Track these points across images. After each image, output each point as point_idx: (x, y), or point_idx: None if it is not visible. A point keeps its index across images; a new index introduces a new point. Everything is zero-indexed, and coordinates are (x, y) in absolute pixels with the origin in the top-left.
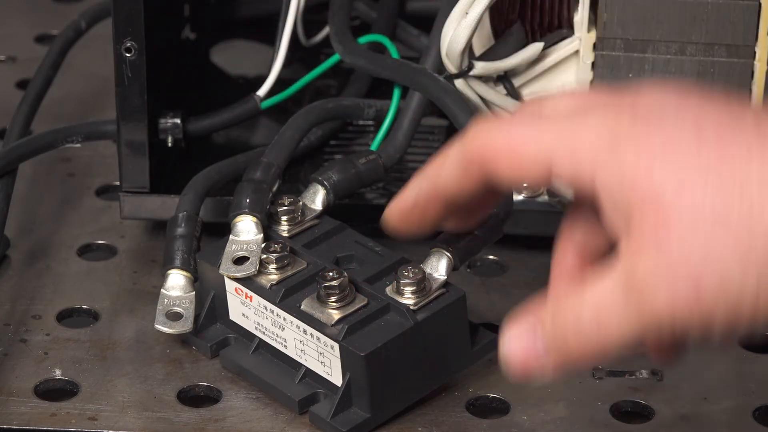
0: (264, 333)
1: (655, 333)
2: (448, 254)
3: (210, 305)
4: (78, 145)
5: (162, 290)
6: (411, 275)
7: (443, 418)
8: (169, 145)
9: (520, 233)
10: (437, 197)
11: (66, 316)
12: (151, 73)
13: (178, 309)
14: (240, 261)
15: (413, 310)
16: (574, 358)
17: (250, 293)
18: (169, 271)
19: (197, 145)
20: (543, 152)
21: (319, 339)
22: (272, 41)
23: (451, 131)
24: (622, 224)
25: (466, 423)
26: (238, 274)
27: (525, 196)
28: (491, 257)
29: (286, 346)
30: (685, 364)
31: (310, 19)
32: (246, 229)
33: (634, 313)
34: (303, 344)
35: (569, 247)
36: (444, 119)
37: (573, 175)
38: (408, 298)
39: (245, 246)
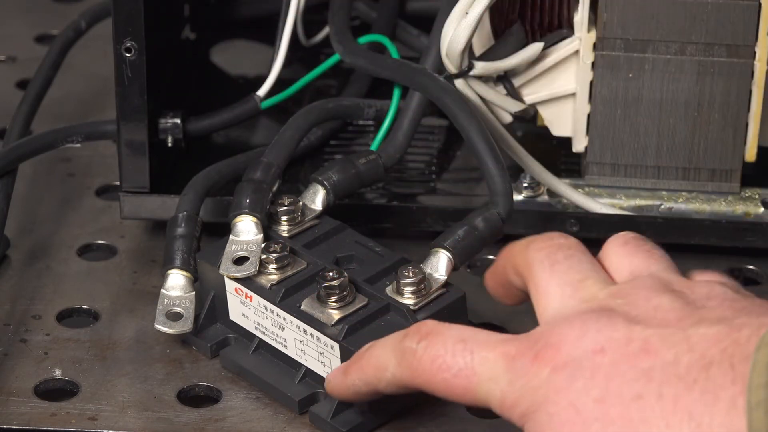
0: (264, 333)
1: None
2: (448, 254)
3: (210, 305)
4: (78, 145)
5: (162, 290)
6: (411, 275)
7: (443, 418)
8: (169, 145)
9: (520, 233)
10: (376, 395)
11: (66, 316)
12: (151, 73)
13: (178, 309)
14: (240, 261)
15: (413, 310)
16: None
17: (250, 293)
18: (169, 271)
19: (197, 145)
20: (477, 398)
21: (319, 339)
22: (272, 41)
23: (451, 131)
24: None
25: (466, 423)
26: (238, 274)
27: (525, 196)
28: (491, 257)
29: (286, 346)
30: None
31: (310, 19)
32: (246, 229)
33: None
34: (303, 344)
35: None
36: (444, 119)
37: (504, 417)
38: (408, 298)
39: (245, 246)
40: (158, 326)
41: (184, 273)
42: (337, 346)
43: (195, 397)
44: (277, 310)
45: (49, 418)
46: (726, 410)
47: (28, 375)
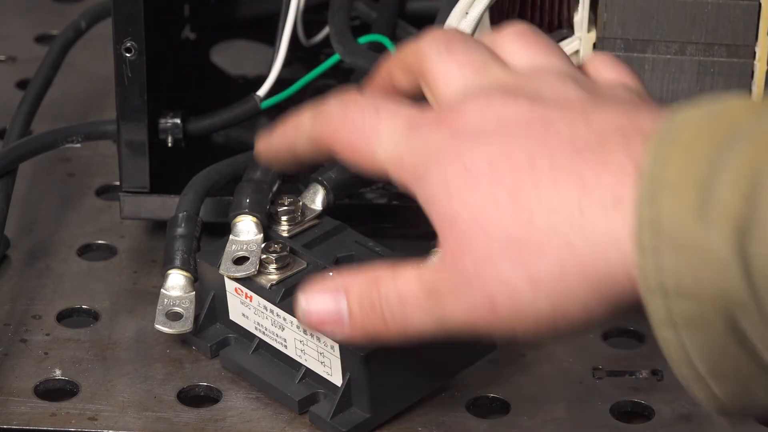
0: (264, 333)
1: (456, 332)
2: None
3: (210, 305)
4: (78, 145)
5: (162, 290)
6: None
7: (443, 418)
8: (169, 145)
9: None
10: (295, 157)
11: (66, 316)
12: (151, 73)
13: (178, 309)
14: (240, 261)
15: None
16: (373, 334)
17: (250, 293)
18: (169, 271)
19: (197, 145)
20: (376, 161)
21: (319, 339)
22: (272, 41)
23: None
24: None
25: (466, 423)
26: (238, 274)
27: None
28: None
29: (286, 346)
30: None
31: (310, 19)
32: (246, 229)
33: (432, 316)
34: (303, 344)
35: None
36: None
37: (399, 183)
38: None
39: (245, 246)
40: (158, 326)
41: (184, 273)
42: (337, 346)
43: (195, 397)
44: (277, 310)
45: (49, 418)
46: (616, 175)
47: (28, 375)
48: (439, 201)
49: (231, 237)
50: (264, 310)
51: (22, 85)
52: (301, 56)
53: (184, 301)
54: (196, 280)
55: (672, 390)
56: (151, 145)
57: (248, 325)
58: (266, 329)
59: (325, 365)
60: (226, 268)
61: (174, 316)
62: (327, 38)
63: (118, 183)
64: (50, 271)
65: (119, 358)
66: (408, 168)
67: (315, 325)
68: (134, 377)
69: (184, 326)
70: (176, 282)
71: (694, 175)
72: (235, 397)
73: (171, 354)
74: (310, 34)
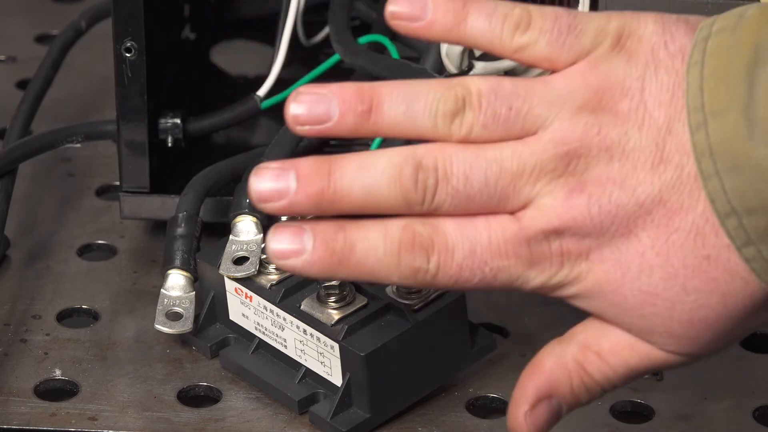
0: (264, 333)
1: None
2: None
3: (210, 305)
4: (78, 145)
5: (162, 290)
6: None
7: (443, 418)
8: (169, 145)
9: None
10: None
11: (66, 316)
12: (151, 73)
13: (178, 309)
14: (240, 261)
15: (413, 311)
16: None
17: (250, 293)
18: (169, 271)
19: (197, 145)
20: None
21: (319, 339)
22: (272, 41)
23: None
24: None
25: (466, 423)
26: (238, 274)
27: None
28: None
29: (285, 346)
30: None
31: (310, 19)
32: (246, 229)
33: None
34: (303, 344)
35: None
36: None
37: None
38: (408, 299)
39: (245, 246)
40: (158, 326)
41: (184, 273)
42: (336, 346)
43: (195, 397)
44: (277, 310)
45: (49, 418)
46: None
47: (28, 375)
48: None
49: (231, 237)
50: (264, 310)
51: (22, 85)
52: (301, 56)
53: (184, 301)
54: (196, 280)
55: (672, 390)
56: (151, 145)
57: (248, 325)
58: (266, 329)
59: (325, 365)
60: (226, 268)
61: (174, 316)
62: (327, 38)
63: (118, 183)
64: (50, 271)
65: (119, 358)
66: None
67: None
68: (134, 377)
69: (184, 326)
70: (176, 282)
71: (736, 98)
72: (235, 397)
73: (171, 354)
74: (310, 34)
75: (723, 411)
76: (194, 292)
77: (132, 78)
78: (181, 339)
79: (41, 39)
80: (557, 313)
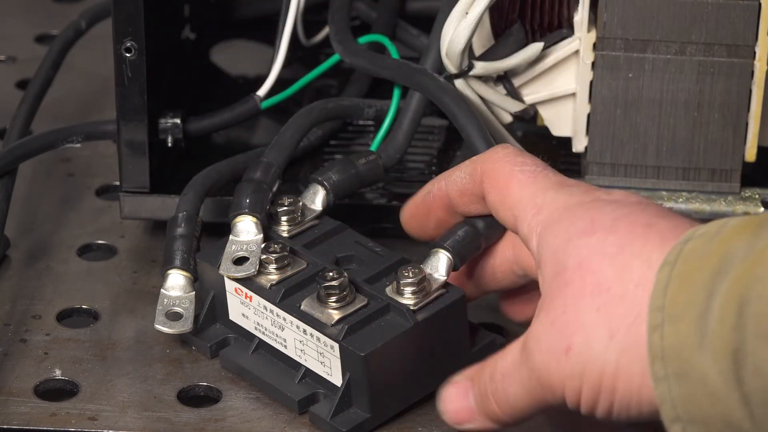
0: (264, 333)
1: (549, 394)
2: (448, 254)
3: (210, 305)
4: (78, 145)
5: (162, 290)
6: (411, 275)
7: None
8: (169, 145)
9: None
10: (444, 198)
11: (66, 316)
12: (151, 73)
13: (178, 309)
14: (240, 261)
15: (413, 311)
16: (499, 418)
17: (250, 293)
18: (169, 271)
19: (197, 145)
20: (514, 215)
21: (319, 339)
22: (272, 41)
23: (451, 131)
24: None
25: None
26: (238, 275)
27: None
28: None
29: (285, 346)
30: None
31: (310, 19)
32: (246, 229)
33: (522, 376)
34: (303, 344)
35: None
36: (444, 119)
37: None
38: (408, 299)
39: (245, 246)
40: (158, 326)
41: (184, 273)
42: (336, 346)
43: (195, 397)
44: (276, 310)
45: (49, 418)
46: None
47: (28, 375)
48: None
49: (231, 237)
50: (264, 310)
51: (22, 85)
52: (301, 56)
53: (184, 301)
54: (196, 280)
55: None
56: (151, 145)
57: (248, 325)
58: (266, 329)
59: (324, 365)
60: (225, 268)
61: (174, 316)
62: (327, 38)
63: (118, 183)
64: (50, 271)
65: (119, 358)
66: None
67: (454, 424)
68: (134, 377)
69: (184, 326)
70: (176, 282)
71: (694, 305)
72: (235, 397)
73: (171, 354)
74: (310, 34)
75: None
76: (194, 292)
77: (132, 78)
78: (181, 339)
79: (41, 39)
80: None
